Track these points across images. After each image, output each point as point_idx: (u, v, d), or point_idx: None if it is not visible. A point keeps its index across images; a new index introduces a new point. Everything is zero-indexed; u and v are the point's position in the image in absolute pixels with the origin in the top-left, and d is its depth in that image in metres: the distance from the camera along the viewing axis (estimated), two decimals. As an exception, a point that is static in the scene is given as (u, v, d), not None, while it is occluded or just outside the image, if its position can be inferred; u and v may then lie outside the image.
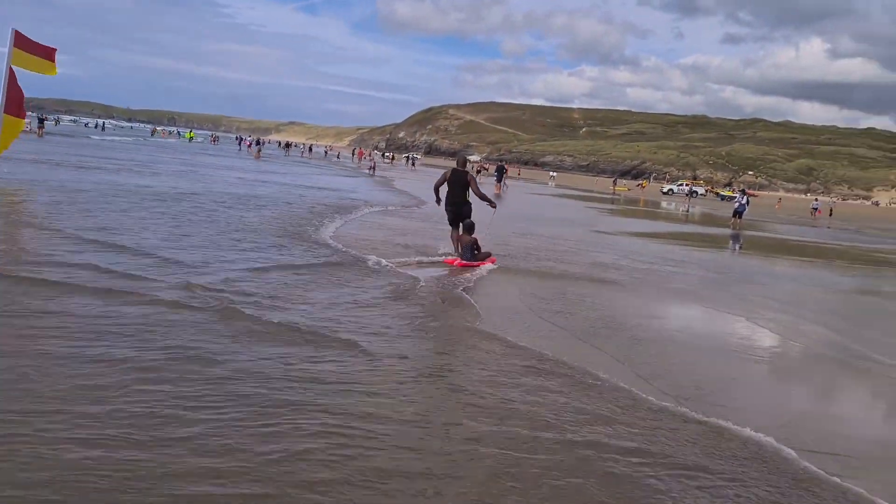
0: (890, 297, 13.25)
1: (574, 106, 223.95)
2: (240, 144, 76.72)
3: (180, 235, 9.88)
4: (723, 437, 4.33)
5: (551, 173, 79.54)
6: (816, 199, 58.87)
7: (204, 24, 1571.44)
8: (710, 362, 6.39)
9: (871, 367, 6.82)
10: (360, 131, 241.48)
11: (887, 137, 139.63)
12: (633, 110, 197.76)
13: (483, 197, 10.80)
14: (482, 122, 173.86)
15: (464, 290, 8.24)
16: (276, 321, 5.85)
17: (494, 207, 11.19)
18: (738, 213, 28.10)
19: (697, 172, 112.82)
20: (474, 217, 10.45)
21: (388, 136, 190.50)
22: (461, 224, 10.27)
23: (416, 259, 10.17)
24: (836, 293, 12.28)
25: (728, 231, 25.75)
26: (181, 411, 3.83)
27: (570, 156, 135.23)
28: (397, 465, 3.48)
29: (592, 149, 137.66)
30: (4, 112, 12.64)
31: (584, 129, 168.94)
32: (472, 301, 7.64)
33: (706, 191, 73.51)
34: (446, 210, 10.84)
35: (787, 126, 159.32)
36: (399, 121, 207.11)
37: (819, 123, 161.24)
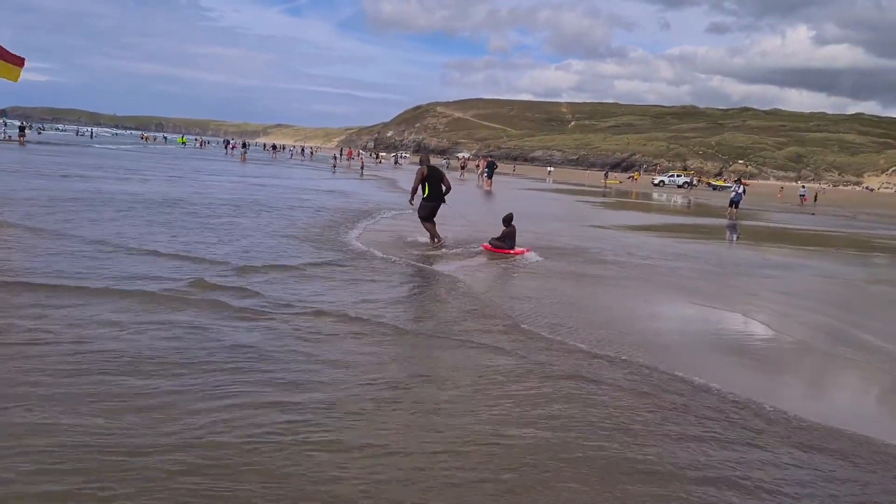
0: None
1: (562, 100, 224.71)
2: (226, 148, 75.76)
3: (245, 254, 9.17)
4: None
5: (549, 169, 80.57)
6: (803, 186, 58.65)
7: (189, 28, 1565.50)
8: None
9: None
10: (349, 132, 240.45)
11: (875, 122, 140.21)
12: (620, 102, 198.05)
13: (449, 189, 11.75)
14: (470, 118, 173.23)
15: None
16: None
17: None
18: (734, 203, 27.68)
19: (687, 163, 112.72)
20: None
21: (376, 135, 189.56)
22: (507, 217, 11.03)
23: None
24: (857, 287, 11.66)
25: (726, 221, 25.21)
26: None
27: (559, 150, 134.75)
28: None
29: (581, 142, 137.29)
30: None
31: (572, 123, 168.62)
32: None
33: (697, 181, 73.05)
34: (425, 206, 11.39)
35: (775, 114, 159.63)
36: (387, 120, 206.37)
37: (807, 111, 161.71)
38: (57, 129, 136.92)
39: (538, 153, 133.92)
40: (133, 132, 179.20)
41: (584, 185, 54.78)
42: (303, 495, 3.06)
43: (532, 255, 10.69)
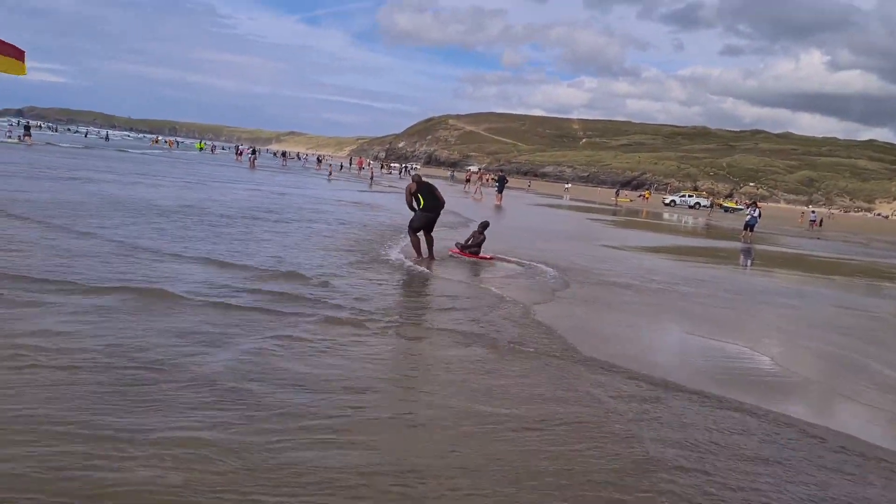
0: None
1: (573, 117, 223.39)
2: (237, 153, 75.79)
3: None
4: None
5: (566, 185, 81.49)
6: (813, 211, 58.26)
7: (204, 34, 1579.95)
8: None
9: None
10: (360, 141, 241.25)
11: (888, 149, 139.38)
12: (632, 121, 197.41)
13: (443, 204, 11.91)
14: (482, 132, 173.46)
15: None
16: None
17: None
18: (749, 226, 27.43)
19: (698, 183, 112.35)
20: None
21: (387, 146, 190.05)
22: (483, 224, 12.36)
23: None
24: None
25: (740, 244, 24.95)
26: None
27: (569, 166, 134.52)
28: None
29: (592, 159, 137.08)
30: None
31: (583, 140, 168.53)
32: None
33: (711, 203, 72.46)
34: (421, 217, 11.46)
35: (787, 137, 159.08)
36: (399, 131, 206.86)
37: (819, 135, 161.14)
38: (69, 129, 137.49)
39: (549, 168, 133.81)
40: (147, 135, 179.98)
41: (594, 203, 54.58)
42: None
43: (510, 265, 11.59)
